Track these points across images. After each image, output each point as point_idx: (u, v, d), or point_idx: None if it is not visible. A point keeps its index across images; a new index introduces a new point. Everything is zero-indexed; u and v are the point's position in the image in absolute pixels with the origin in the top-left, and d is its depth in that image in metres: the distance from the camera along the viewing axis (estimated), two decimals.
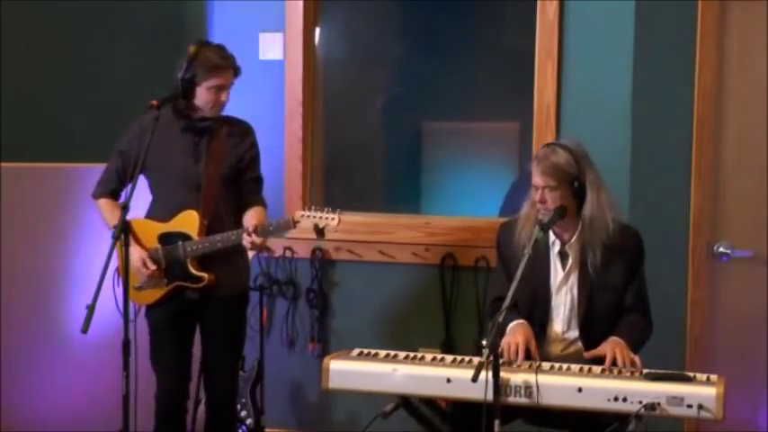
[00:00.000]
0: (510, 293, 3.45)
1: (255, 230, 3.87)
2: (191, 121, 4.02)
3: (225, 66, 3.97)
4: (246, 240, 3.91)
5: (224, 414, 4.21)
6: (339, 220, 3.86)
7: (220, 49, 4.01)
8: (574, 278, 3.79)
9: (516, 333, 3.68)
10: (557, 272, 3.81)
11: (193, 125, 4.02)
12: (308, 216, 3.87)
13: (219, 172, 4.02)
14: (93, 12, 4.94)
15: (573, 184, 3.69)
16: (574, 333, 3.79)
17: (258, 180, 4.14)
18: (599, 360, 3.59)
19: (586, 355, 3.57)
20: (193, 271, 3.98)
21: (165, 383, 4.09)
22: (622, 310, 3.78)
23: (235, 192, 4.08)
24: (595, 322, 3.75)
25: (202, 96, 3.97)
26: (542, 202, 3.70)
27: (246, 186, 4.10)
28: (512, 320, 3.73)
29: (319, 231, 3.88)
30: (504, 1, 5.05)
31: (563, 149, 3.73)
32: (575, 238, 3.77)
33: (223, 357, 4.16)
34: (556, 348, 3.80)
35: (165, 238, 4.01)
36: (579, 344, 3.78)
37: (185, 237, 3.98)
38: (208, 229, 3.98)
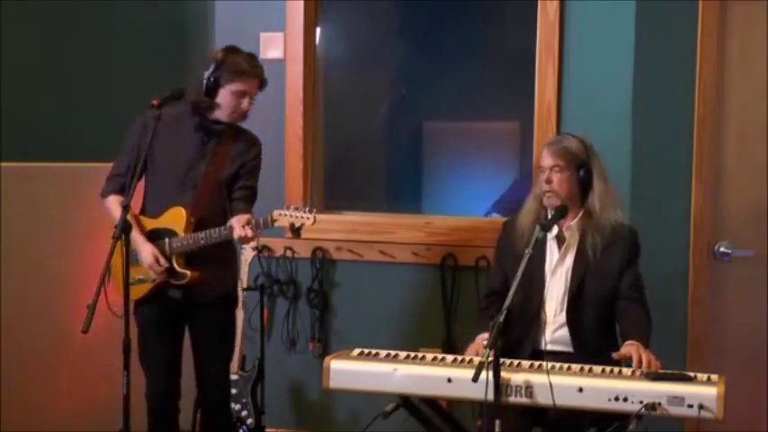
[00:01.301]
0: (510, 292, 3.45)
1: (248, 222, 3.86)
2: (204, 121, 4.02)
3: (251, 73, 3.99)
4: (238, 231, 3.86)
5: (218, 415, 4.20)
6: (314, 220, 3.86)
7: (251, 57, 4.03)
8: (570, 261, 3.83)
9: (474, 344, 3.73)
10: (552, 254, 3.85)
11: (206, 125, 4.02)
12: (285, 215, 3.87)
13: (219, 175, 4.02)
14: (94, 11, 4.94)
15: (580, 169, 3.79)
16: (562, 318, 3.81)
17: (252, 189, 4.10)
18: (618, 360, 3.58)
19: (615, 355, 3.56)
20: (177, 268, 3.98)
21: (154, 383, 4.08)
22: (615, 298, 3.79)
23: (227, 197, 4.06)
24: (583, 306, 3.78)
25: (225, 99, 3.98)
26: (548, 182, 3.79)
27: (239, 192, 4.05)
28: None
29: (295, 230, 3.88)
30: (505, 1, 5.06)
31: (573, 137, 3.86)
32: (574, 222, 3.82)
33: (212, 359, 4.14)
34: (547, 333, 3.81)
35: (154, 235, 4.01)
36: (566, 329, 3.80)
37: (172, 233, 3.98)
38: (195, 226, 3.97)
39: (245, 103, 4.00)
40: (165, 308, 4.05)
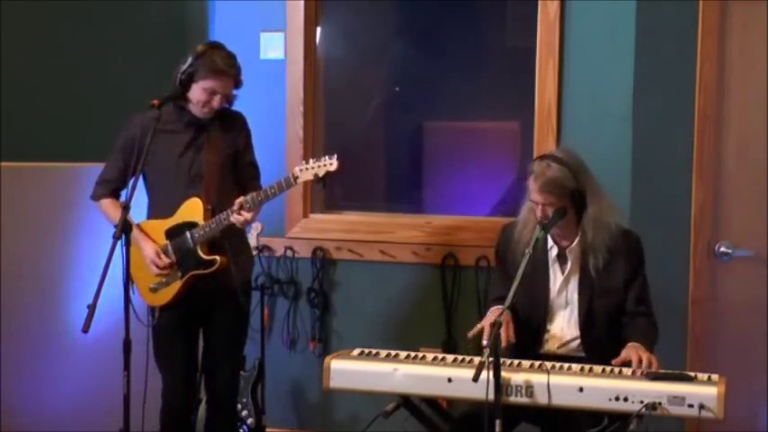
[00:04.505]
0: (511, 293, 3.44)
1: (241, 206, 3.88)
2: (193, 117, 4.03)
3: (226, 73, 3.96)
4: (235, 219, 3.89)
5: (224, 415, 4.22)
6: (337, 165, 3.82)
7: (229, 57, 4.00)
8: (574, 282, 3.80)
9: (492, 315, 3.69)
10: (555, 275, 3.82)
11: (196, 120, 4.03)
12: (306, 168, 3.87)
13: (219, 160, 4.04)
14: (94, 11, 4.94)
15: (572, 196, 3.68)
16: (572, 333, 3.80)
17: (254, 165, 4.16)
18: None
19: (614, 362, 3.54)
20: (204, 256, 3.98)
21: (173, 383, 4.10)
22: (623, 312, 3.77)
23: (234, 177, 4.10)
24: (595, 324, 3.76)
25: (195, 93, 3.97)
26: (544, 217, 3.67)
27: (245, 172, 4.12)
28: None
29: (320, 180, 3.87)
30: (505, 0, 5.05)
31: (557, 163, 3.68)
32: (575, 243, 3.77)
33: (225, 358, 4.17)
34: (552, 345, 3.81)
35: (173, 232, 4.02)
36: (578, 343, 3.79)
37: (192, 225, 3.99)
38: (212, 214, 3.99)
39: (215, 101, 3.98)
40: (186, 309, 4.07)
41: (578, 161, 3.74)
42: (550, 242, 3.81)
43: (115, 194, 4.11)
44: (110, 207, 4.09)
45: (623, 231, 3.80)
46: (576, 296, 3.78)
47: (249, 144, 4.16)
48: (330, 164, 3.83)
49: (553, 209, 3.66)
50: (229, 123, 4.11)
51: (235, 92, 4.07)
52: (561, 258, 3.81)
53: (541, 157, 3.77)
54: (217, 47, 4.02)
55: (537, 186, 3.67)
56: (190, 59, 3.96)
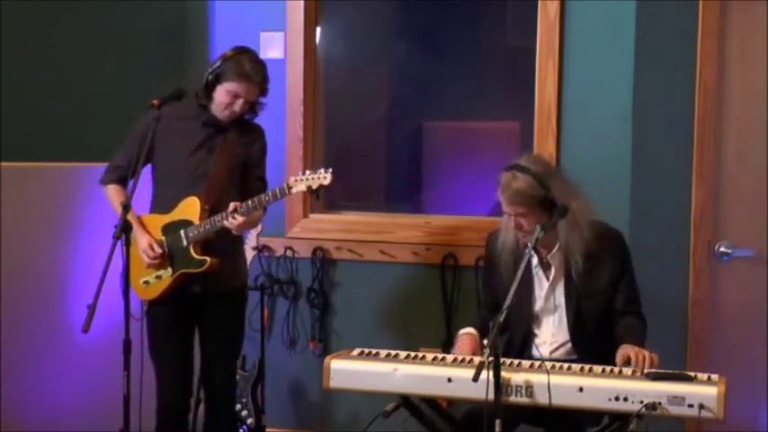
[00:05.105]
0: (511, 292, 3.44)
1: (235, 210, 3.89)
2: (212, 117, 4.04)
3: (251, 78, 3.97)
4: (229, 223, 3.90)
5: (223, 414, 4.22)
6: (331, 178, 3.83)
7: (257, 63, 4.01)
8: (560, 286, 3.80)
9: (462, 345, 3.73)
10: (541, 282, 3.82)
11: (215, 122, 4.04)
12: (301, 179, 3.88)
13: (229, 165, 4.05)
14: (95, 11, 4.94)
15: (542, 204, 3.64)
16: (563, 337, 3.81)
17: (263, 180, 4.17)
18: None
19: (617, 363, 3.55)
20: (195, 255, 3.98)
21: (167, 381, 4.10)
22: (612, 312, 3.77)
23: (239, 186, 4.10)
24: (585, 327, 3.77)
25: (219, 95, 3.99)
26: (518, 227, 3.68)
27: (252, 185, 4.12)
28: (466, 327, 3.81)
29: (313, 192, 3.88)
30: (505, 1, 5.05)
31: (522, 173, 3.65)
32: (555, 249, 3.76)
33: (222, 358, 4.17)
34: (544, 351, 3.81)
35: (169, 229, 4.03)
36: (569, 346, 3.80)
37: (187, 223, 4.00)
38: (210, 214, 3.99)
39: (237, 105, 4.00)
40: (179, 307, 4.08)
41: (544, 168, 3.74)
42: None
43: (123, 182, 4.10)
44: (114, 194, 4.10)
45: (604, 230, 3.78)
46: (563, 300, 3.79)
47: (263, 158, 4.17)
48: (324, 177, 3.85)
49: (525, 219, 3.66)
50: (247, 133, 4.12)
51: (263, 100, 4.07)
52: (544, 265, 3.82)
53: (508, 168, 3.72)
54: (247, 51, 4.04)
55: (504, 199, 3.68)
56: (218, 61, 3.98)
